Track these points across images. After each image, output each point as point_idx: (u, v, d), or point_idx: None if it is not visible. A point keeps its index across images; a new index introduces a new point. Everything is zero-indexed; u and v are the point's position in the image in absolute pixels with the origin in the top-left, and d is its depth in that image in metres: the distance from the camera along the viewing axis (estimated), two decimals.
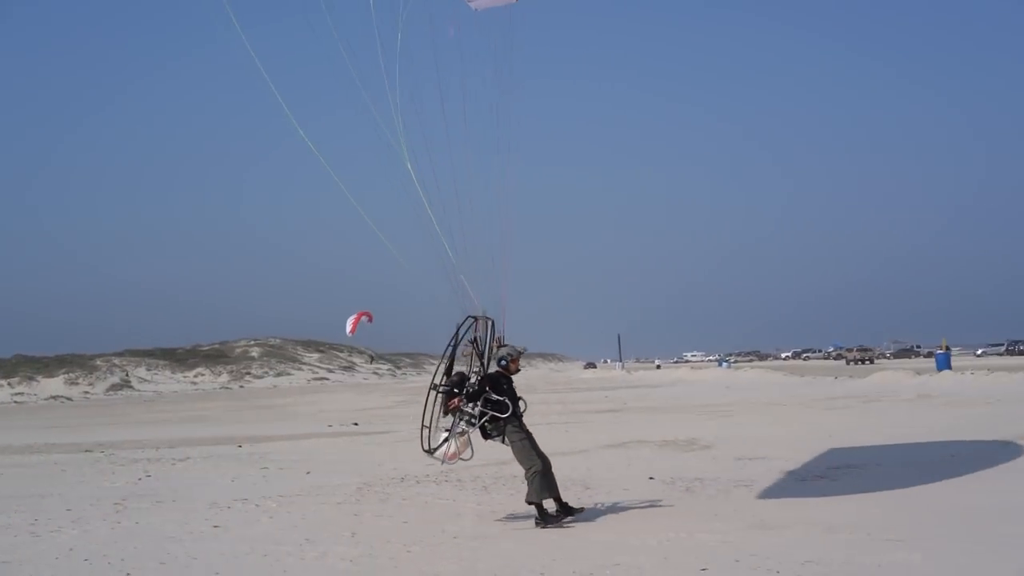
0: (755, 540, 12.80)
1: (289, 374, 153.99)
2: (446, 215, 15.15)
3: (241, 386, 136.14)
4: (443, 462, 15.39)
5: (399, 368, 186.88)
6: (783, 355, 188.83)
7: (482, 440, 15.41)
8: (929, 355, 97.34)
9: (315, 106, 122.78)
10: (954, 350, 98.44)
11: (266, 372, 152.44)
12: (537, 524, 14.60)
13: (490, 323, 15.43)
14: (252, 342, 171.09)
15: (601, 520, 14.85)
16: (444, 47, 15.32)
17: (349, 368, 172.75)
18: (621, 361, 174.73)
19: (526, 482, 14.96)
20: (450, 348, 15.40)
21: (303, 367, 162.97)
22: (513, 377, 15.45)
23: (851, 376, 63.97)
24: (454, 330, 15.33)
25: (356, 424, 41.84)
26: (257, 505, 17.59)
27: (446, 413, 15.31)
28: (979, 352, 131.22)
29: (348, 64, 14.89)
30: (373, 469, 22.62)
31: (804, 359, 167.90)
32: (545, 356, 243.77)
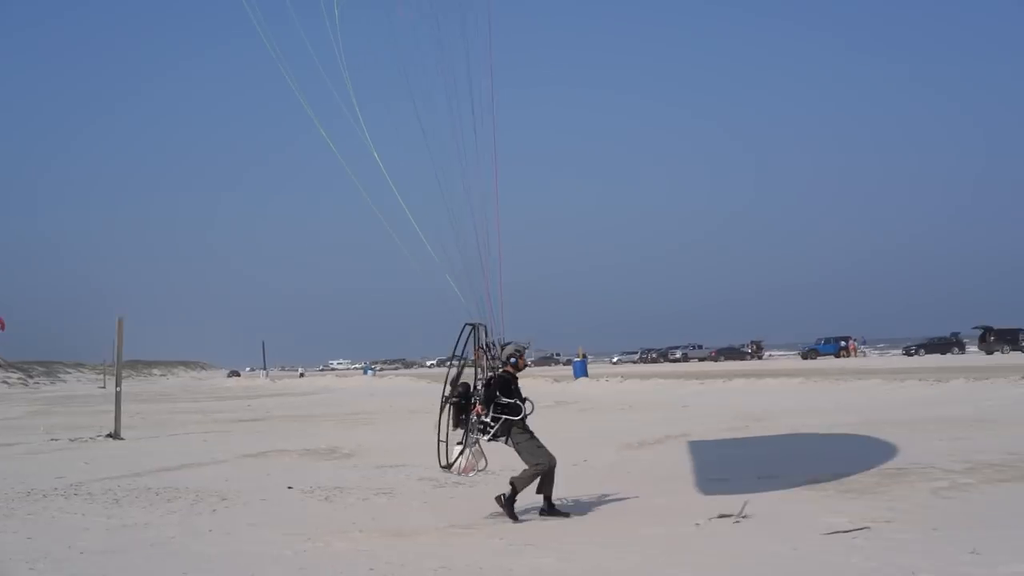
0: (392, 548, 12.73)
1: None
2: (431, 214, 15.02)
3: None
4: (460, 475, 15.20)
5: (31, 377, 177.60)
6: (428, 363, 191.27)
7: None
8: (568, 362, 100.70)
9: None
10: (590, 358, 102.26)
11: None
12: (498, 500, 14.74)
13: (482, 328, 15.22)
14: None
15: (239, 532, 14.39)
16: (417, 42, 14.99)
17: None
18: (266, 369, 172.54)
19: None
20: (456, 358, 15.20)
21: None
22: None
23: None
24: (456, 341, 15.13)
25: None
26: None
27: (456, 426, 15.08)
28: (615, 360, 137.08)
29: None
30: None
31: (449, 366, 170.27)
32: (187, 364, 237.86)
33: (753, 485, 16.52)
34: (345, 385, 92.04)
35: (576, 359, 68.85)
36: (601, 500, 15.84)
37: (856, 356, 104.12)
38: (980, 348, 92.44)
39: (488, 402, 14.88)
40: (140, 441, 31.92)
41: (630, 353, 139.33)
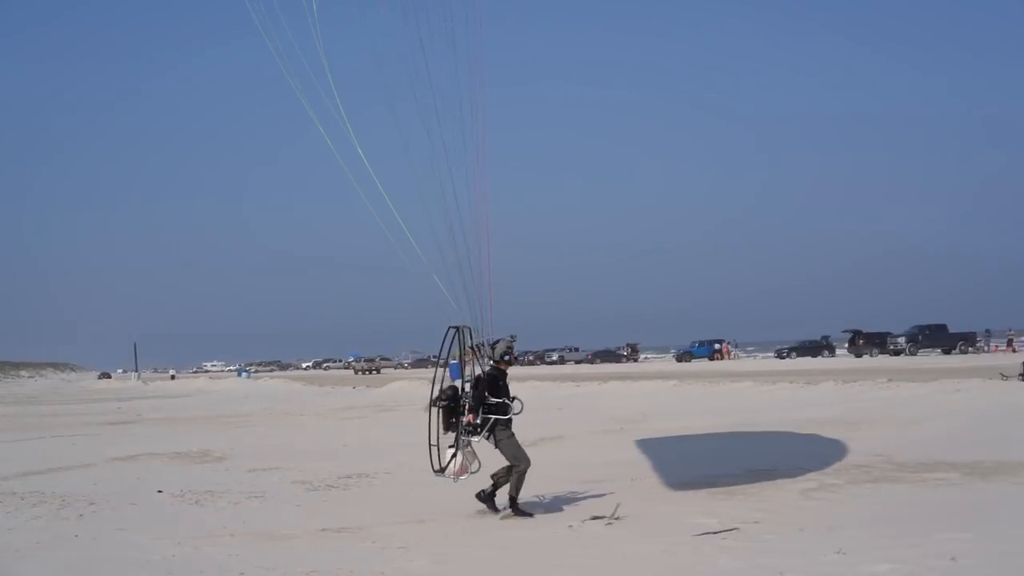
0: (263, 551, 12.58)
1: None
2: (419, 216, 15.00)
3: None
4: (455, 479, 15.08)
5: None
6: (304, 365, 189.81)
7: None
8: (445, 364, 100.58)
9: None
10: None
11: None
12: (504, 514, 14.70)
13: (467, 330, 15.44)
14: None
15: (106, 537, 14.09)
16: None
17: None
18: (137, 371, 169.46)
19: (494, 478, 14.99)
20: (442, 361, 15.41)
21: None
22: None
23: (368, 386, 65.06)
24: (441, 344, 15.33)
25: None
26: None
27: (447, 430, 15.08)
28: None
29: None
30: None
31: (324, 368, 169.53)
32: (56, 365, 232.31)
33: (626, 487, 16.66)
34: (218, 387, 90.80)
35: (453, 361, 68.68)
36: (475, 504, 15.82)
37: (730, 359, 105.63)
38: (850, 351, 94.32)
39: (478, 404, 15.00)
40: (5, 444, 31.12)
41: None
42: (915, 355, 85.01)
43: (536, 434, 26.62)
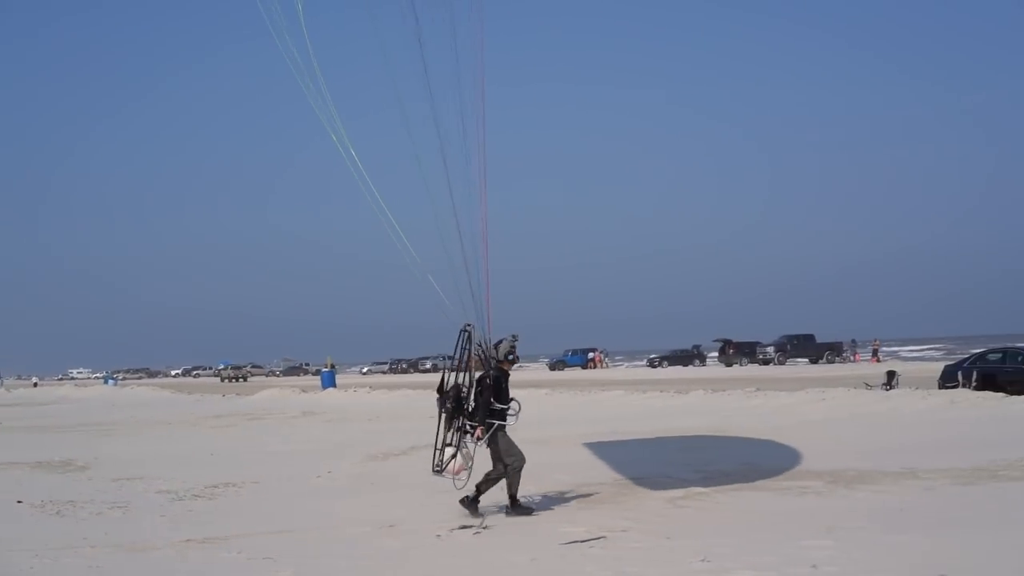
0: (125, 562, 12.33)
1: None
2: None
3: None
4: (454, 480, 15.02)
5: None
6: (173, 372, 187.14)
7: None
8: (317, 372, 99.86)
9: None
10: (341, 369, 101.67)
11: None
12: (508, 514, 14.88)
13: (470, 330, 15.32)
14: None
15: None
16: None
17: None
18: (0, 378, 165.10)
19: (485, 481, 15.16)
20: (453, 360, 15.40)
21: None
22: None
23: (239, 394, 64.29)
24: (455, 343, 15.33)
25: None
26: None
27: (449, 429, 15.13)
28: (364, 370, 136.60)
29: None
30: None
31: (195, 376, 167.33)
32: None
33: (496, 495, 16.64)
34: (84, 395, 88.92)
35: (324, 369, 68.31)
36: (345, 512, 15.68)
37: (602, 367, 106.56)
38: (720, 360, 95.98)
39: (484, 411, 15.00)
40: None
41: (380, 363, 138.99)
42: (783, 364, 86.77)
43: (407, 442, 26.55)
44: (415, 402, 46.36)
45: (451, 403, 15.15)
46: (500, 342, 15.35)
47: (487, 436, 14.96)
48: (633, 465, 19.85)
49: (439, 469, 15.19)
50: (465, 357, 15.34)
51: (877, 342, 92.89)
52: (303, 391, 59.35)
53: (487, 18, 15.29)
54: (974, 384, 34.16)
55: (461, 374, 15.32)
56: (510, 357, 15.37)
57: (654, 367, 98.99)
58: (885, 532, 12.47)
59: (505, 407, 15.21)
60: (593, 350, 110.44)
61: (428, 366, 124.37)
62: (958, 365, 37.60)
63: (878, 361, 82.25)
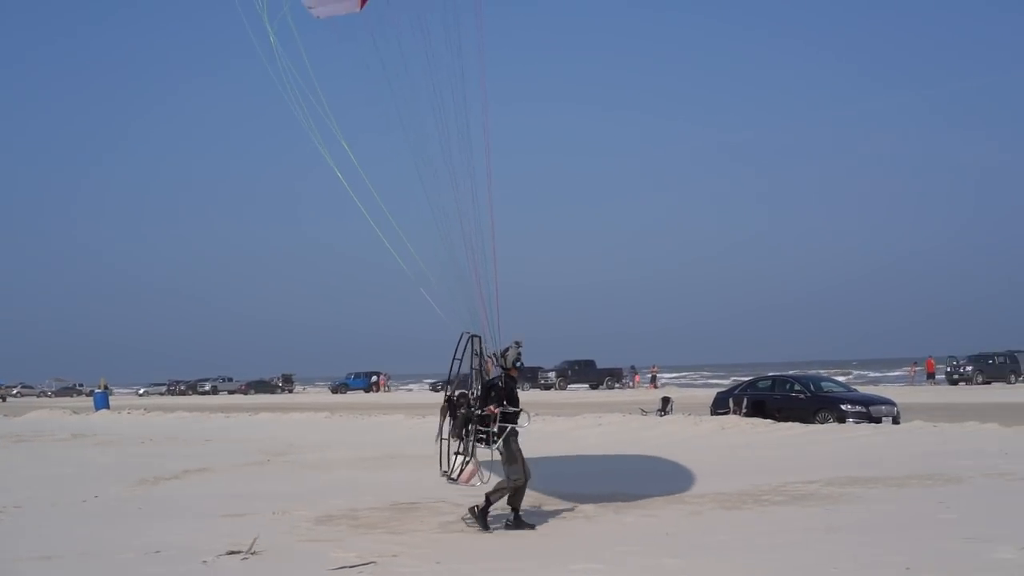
0: None
1: None
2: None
3: None
4: (462, 484, 15.30)
5: None
6: None
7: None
8: (91, 393, 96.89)
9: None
10: (116, 390, 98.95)
11: None
12: (470, 514, 15.35)
13: (478, 339, 15.50)
14: None
15: None
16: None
17: None
18: None
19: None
20: (456, 364, 15.57)
21: None
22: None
23: (6, 414, 61.80)
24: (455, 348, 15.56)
25: None
26: None
27: (458, 436, 15.27)
28: (141, 391, 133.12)
29: None
30: None
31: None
32: None
33: (268, 520, 16.41)
34: None
35: (97, 390, 66.26)
36: (112, 537, 15.18)
37: (385, 391, 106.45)
38: None
39: (498, 405, 15.14)
40: None
41: (158, 384, 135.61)
42: (564, 389, 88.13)
43: (180, 466, 25.97)
44: (191, 425, 45.46)
45: (463, 409, 15.35)
46: (507, 350, 15.57)
47: (500, 439, 15.13)
48: (408, 489, 19.82)
49: (453, 478, 15.41)
50: (475, 364, 15.63)
51: (655, 368, 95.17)
52: (74, 412, 57.40)
53: (488, 31, 15.60)
54: (744, 411, 35.35)
55: (470, 381, 15.67)
56: (518, 364, 15.60)
57: (437, 391, 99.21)
58: (650, 556, 12.74)
59: (518, 410, 15.46)
60: (377, 373, 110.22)
61: (207, 388, 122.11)
62: (729, 392, 38.87)
63: (655, 387, 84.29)
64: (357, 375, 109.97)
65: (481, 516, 15.23)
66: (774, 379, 38.17)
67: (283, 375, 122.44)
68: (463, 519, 15.86)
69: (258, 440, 35.46)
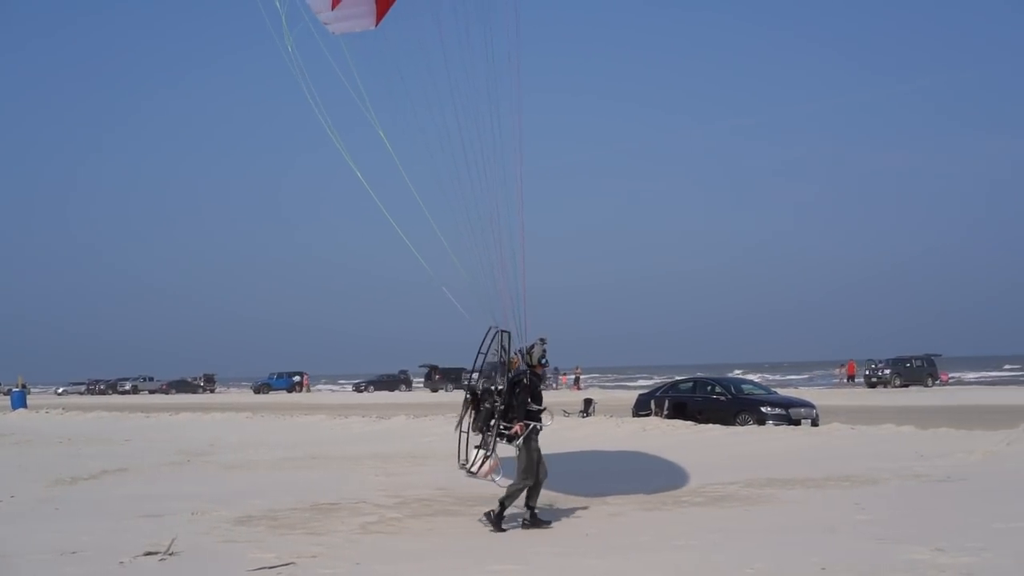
0: None
1: None
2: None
3: None
4: (481, 477, 15.43)
5: None
6: None
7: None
8: (8, 392, 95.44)
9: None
10: (34, 389, 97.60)
11: None
12: (485, 518, 15.38)
13: (507, 335, 15.55)
14: None
15: None
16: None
17: None
18: None
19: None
20: (481, 358, 15.65)
21: None
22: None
23: None
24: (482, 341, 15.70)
25: None
26: None
27: (478, 430, 15.40)
28: (60, 390, 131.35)
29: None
30: None
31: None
32: None
33: (187, 521, 16.26)
34: None
35: (15, 389, 65.33)
36: (26, 539, 14.95)
37: (309, 391, 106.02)
38: (426, 385, 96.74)
39: (522, 410, 15.20)
40: None
41: (77, 384, 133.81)
42: None
43: (98, 466, 25.67)
44: (110, 424, 44.96)
45: (488, 403, 15.37)
46: (532, 347, 15.59)
47: (523, 435, 15.19)
48: (329, 490, 19.75)
49: (472, 471, 15.43)
50: (502, 359, 15.64)
51: (579, 370, 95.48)
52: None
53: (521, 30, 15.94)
54: (666, 413, 35.59)
55: (495, 375, 15.68)
56: (543, 361, 15.60)
57: (360, 392, 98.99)
58: (569, 556, 12.83)
59: (541, 408, 15.54)
60: (300, 373, 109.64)
61: (127, 387, 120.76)
62: (651, 394, 39.08)
63: (579, 389, 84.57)
64: (280, 375, 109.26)
65: (497, 520, 15.22)
66: (695, 381, 38.45)
67: (205, 375, 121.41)
68: (479, 520, 15.78)
69: (178, 440, 35.14)
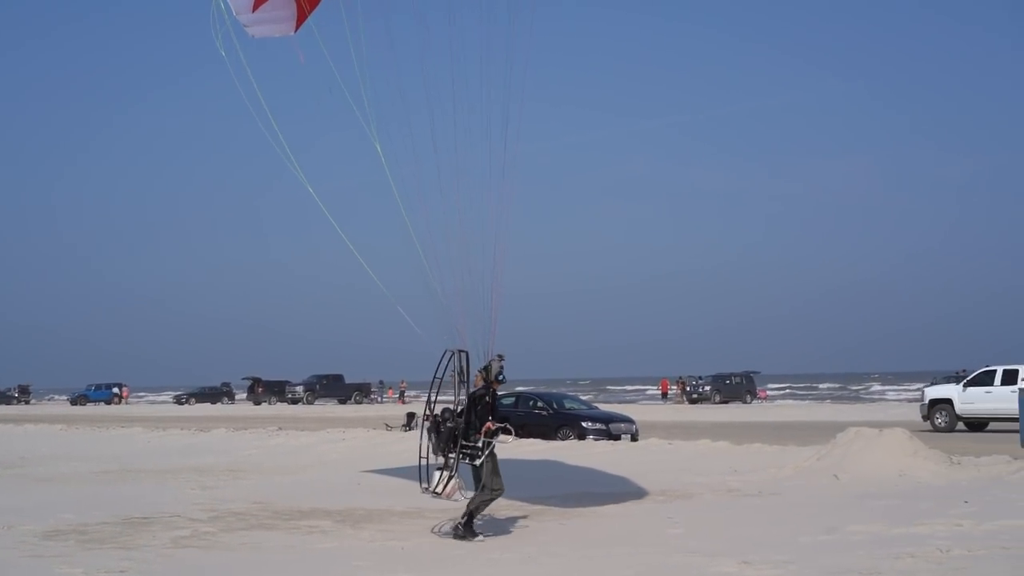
0: None
1: None
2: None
3: None
4: (446, 498, 15.45)
5: None
6: None
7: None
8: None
9: None
10: None
11: None
12: (453, 532, 15.33)
13: (464, 355, 15.68)
14: None
15: None
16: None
17: None
18: None
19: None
20: (437, 382, 15.68)
21: None
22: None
23: None
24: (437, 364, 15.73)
25: None
26: None
27: (439, 452, 15.47)
28: None
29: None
30: None
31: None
32: None
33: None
34: None
35: None
36: None
37: (127, 403, 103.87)
38: (249, 398, 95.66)
39: (483, 424, 15.27)
40: None
41: None
42: (312, 404, 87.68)
43: None
44: None
45: (449, 423, 15.46)
46: (489, 364, 15.61)
47: (487, 452, 15.27)
48: (142, 504, 19.36)
49: (437, 492, 15.51)
50: (462, 379, 15.82)
51: (404, 383, 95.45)
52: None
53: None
54: None
55: (455, 395, 15.86)
56: (500, 377, 15.61)
57: (180, 404, 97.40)
58: (383, 571, 12.86)
59: (502, 425, 15.76)
60: (120, 385, 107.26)
61: None
62: None
63: (403, 403, 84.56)
64: (98, 387, 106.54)
65: (467, 528, 15.26)
66: (518, 395, 38.75)
67: (19, 386, 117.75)
68: (451, 534, 15.53)
69: None
